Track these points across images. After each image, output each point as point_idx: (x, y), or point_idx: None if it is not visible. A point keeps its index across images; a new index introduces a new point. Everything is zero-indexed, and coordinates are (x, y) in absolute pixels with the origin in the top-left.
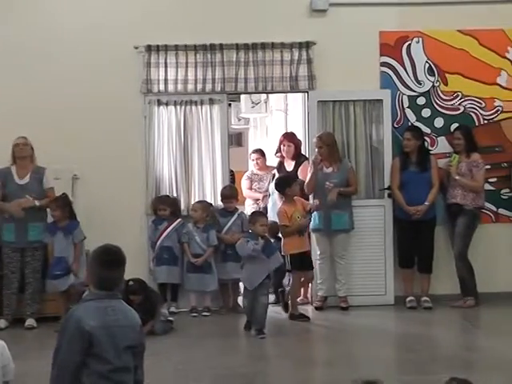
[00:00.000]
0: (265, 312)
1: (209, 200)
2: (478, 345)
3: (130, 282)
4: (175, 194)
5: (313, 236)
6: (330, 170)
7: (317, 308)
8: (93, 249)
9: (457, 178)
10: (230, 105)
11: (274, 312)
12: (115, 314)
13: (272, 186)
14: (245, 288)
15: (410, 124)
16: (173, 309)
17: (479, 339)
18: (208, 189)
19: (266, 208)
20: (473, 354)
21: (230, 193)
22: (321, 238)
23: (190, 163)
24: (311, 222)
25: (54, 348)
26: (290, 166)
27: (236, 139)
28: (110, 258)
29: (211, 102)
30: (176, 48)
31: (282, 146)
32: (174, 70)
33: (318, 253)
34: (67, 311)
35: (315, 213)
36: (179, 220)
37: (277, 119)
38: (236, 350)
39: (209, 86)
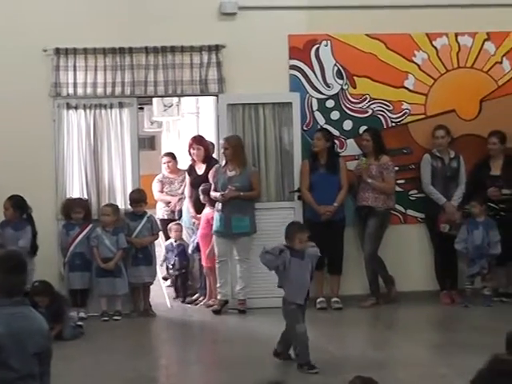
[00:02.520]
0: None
1: (119, 204)
2: (386, 343)
3: (35, 283)
4: (86, 198)
5: (213, 239)
6: (233, 173)
7: (215, 312)
8: None
9: (369, 181)
10: (142, 108)
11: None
12: (23, 320)
13: (186, 189)
14: (291, 311)
15: (319, 127)
16: (82, 314)
17: (388, 338)
18: (118, 192)
19: (180, 211)
20: (381, 353)
21: (139, 196)
22: (221, 241)
23: (100, 167)
24: (213, 225)
25: None
26: (200, 169)
27: (149, 142)
28: (14, 264)
29: (121, 105)
30: (85, 51)
31: (191, 150)
32: (83, 74)
33: (217, 255)
34: None
35: (217, 215)
36: (91, 225)
37: (189, 122)
38: (146, 354)
39: (118, 90)
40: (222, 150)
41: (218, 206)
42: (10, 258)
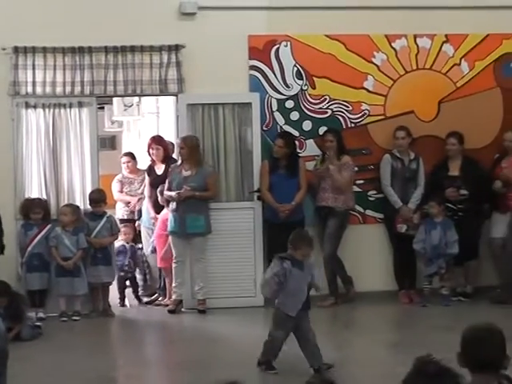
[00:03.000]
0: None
1: (78, 203)
2: (344, 343)
3: None
4: (45, 198)
5: (169, 239)
6: (188, 173)
7: (170, 311)
8: None
9: (330, 167)
10: (102, 108)
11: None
12: None
13: (146, 189)
14: (280, 319)
15: (279, 127)
16: (41, 314)
17: (346, 337)
18: (77, 192)
19: (140, 211)
20: (339, 353)
21: (98, 196)
22: (177, 241)
23: (59, 167)
24: (168, 225)
25: None
26: (160, 169)
27: (110, 142)
28: None
29: (80, 104)
30: (44, 50)
31: (150, 150)
32: (42, 73)
33: (174, 256)
34: None
35: (171, 216)
36: (49, 226)
37: (149, 122)
38: (105, 354)
39: (78, 89)
40: (178, 150)
41: (173, 205)
42: None
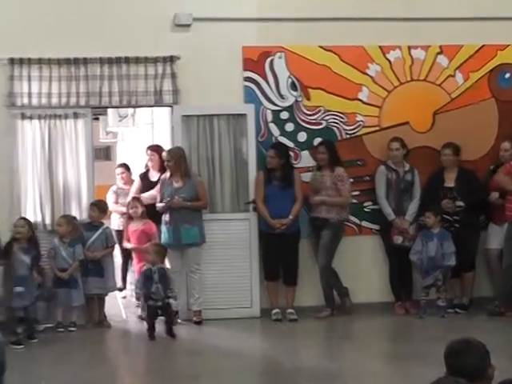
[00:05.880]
0: None
1: (74, 214)
2: (340, 355)
3: None
4: (39, 209)
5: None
6: (178, 184)
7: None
8: None
9: (322, 198)
10: (97, 118)
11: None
12: None
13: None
14: None
15: (274, 138)
16: (38, 325)
17: (342, 349)
18: (73, 203)
19: None
20: (334, 364)
21: (97, 205)
22: (172, 253)
23: (55, 177)
24: (163, 237)
25: None
26: (154, 176)
27: (104, 153)
28: None
29: (75, 115)
30: (39, 61)
31: (147, 157)
32: (38, 84)
33: (170, 268)
34: None
35: (164, 228)
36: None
37: (144, 133)
38: (101, 365)
39: (73, 100)
40: (165, 163)
41: (166, 217)
42: None
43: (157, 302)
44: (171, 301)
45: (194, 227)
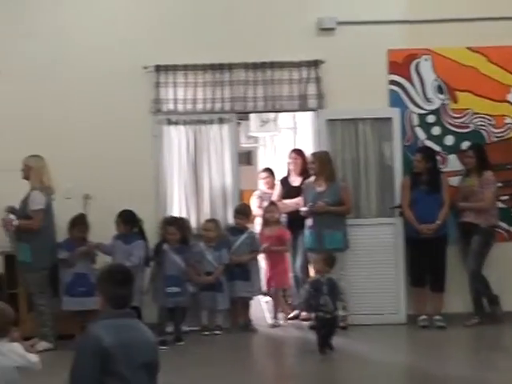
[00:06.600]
0: None
1: (220, 219)
2: (486, 365)
3: None
4: (185, 213)
5: (309, 256)
6: (321, 188)
7: (311, 327)
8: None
9: (467, 205)
10: (239, 123)
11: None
12: (131, 331)
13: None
14: None
15: (420, 142)
16: (184, 328)
17: (489, 359)
18: (218, 208)
19: None
20: (480, 375)
21: (243, 210)
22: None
23: (200, 182)
24: (306, 241)
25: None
26: (295, 181)
27: (245, 158)
28: (122, 276)
29: (220, 121)
30: (185, 68)
31: (289, 160)
32: (183, 90)
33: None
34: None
35: (308, 232)
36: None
37: (286, 137)
38: (246, 369)
39: (218, 106)
40: (309, 165)
41: (309, 222)
42: (118, 271)
43: (326, 314)
44: (340, 313)
45: (337, 232)
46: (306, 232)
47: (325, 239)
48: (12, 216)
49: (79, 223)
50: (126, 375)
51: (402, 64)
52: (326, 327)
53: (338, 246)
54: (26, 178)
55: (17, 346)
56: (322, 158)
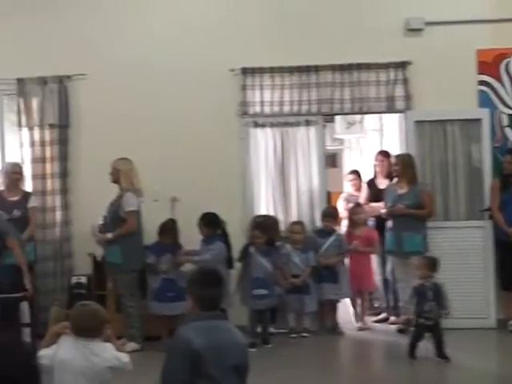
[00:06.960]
0: None
1: (306, 221)
2: None
3: None
4: (274, 216)
5: (388, 258)
6: (403, 191)
7: (399, 331)
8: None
9: None
10: (324, 126)
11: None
12: (221, 332)
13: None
14: None
15: (510, 143)
16: (271, 329)
17: None
18: (305, 210)
19: None
20: None
21: (331, 212)
22: (396, 261)
23: (287, 184)
24: (386, 244)
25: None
26: (382, 184)
27: (330, 160)
28: (211, 278)
29: (307, 123)
30: (271, 70)
31: (375, 163)
32: (270, 92)
33: (395, 275)
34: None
35: (388, 234)
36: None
37: (372, 140)
38: (333, 371)
39: (305, 108)
40: (393, 167)
41: (389, 224)
42: (207, 272)
43: (428, 320)
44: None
45: (416, 235)
46: (387, 234)
47: (404, 242)
48: (109, 234)
49: (169, 229)
50: (217, 377)
51: (491, 64)
52: (430, 333)
53: (417, 248)
54: (115, 181)
55: (109, 347)
56: (405, 160)
